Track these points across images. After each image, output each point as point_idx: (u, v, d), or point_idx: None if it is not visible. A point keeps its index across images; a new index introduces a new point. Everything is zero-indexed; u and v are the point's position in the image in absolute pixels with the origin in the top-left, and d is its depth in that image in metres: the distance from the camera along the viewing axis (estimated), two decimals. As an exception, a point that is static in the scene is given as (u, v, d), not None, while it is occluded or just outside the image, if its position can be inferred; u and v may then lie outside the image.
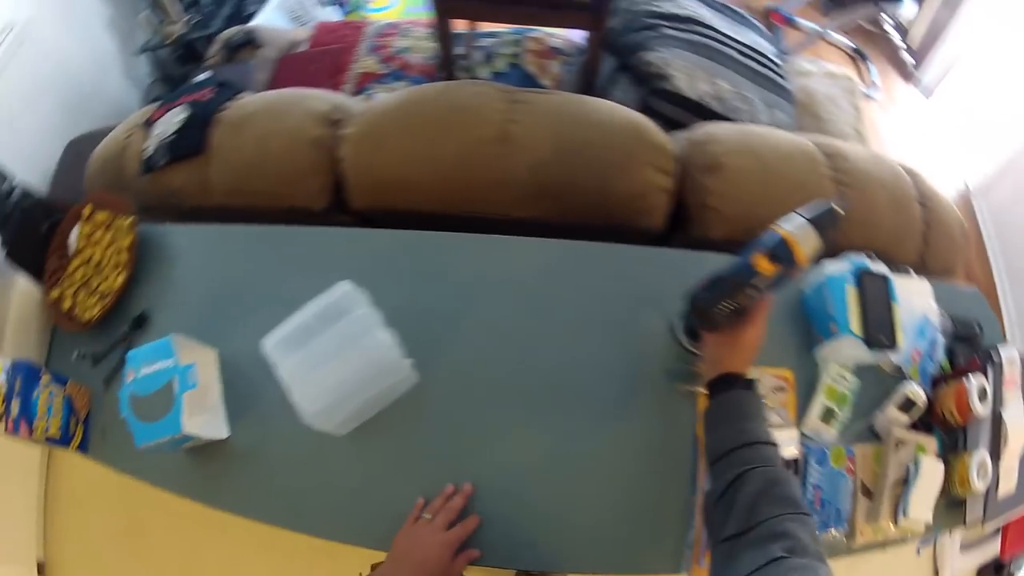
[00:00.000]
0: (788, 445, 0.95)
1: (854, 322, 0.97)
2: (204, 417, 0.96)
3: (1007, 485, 1.05)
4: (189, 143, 1.34)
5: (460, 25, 1.95)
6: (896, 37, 2.99)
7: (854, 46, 2.85)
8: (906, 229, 1.30)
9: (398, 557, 0.82)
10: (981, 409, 1.02)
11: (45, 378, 1.03)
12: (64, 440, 1.04)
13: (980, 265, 2.46)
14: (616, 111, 1.14)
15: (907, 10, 2.45)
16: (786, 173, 1.14)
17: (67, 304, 1.18)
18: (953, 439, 1.07)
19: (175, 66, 2.90)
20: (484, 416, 0.96)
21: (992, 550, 1.88)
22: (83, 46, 2.47)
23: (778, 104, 1.52)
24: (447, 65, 1.78)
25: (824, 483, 0.95)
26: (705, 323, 0.81)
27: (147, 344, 0.96)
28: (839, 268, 1.01)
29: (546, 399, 0.96)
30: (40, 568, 1.20)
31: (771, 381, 0.99)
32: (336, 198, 1.33)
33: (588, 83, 1.60)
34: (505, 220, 1.19)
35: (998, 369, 1.07)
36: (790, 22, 2.83)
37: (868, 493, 0.99)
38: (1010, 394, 1.08)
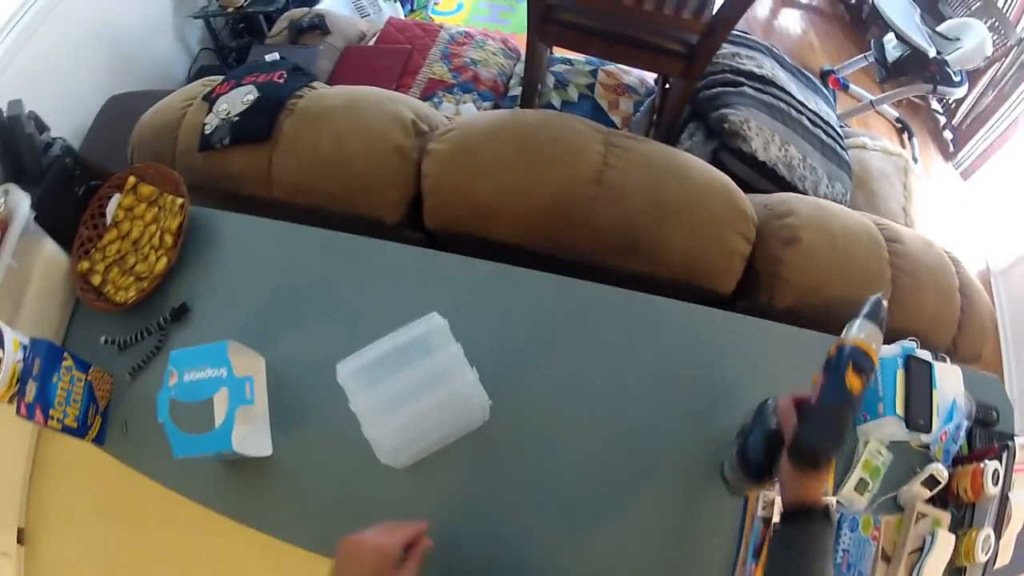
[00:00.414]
0: (827, 510, 1.06)
1: (899, 404, 1.09)
2: (250, 431, 0.92)
3: (1003, 559, 1.20)
4: (256, 127, 1.27)
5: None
6: (941, 114, 3.14)
7: (899, 117, 3.00)
8: (946, 316, 1.43)
9: (335, 568, 0.74)
10: (993, 490, 1.16)
11: (67, 362, 0.97)
12: (81, 431, 0.99)
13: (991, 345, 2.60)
14: (709, 173, 1.21)
15: (960, 91, 2.60)
16: (854, 253, 1.25)
17: (97, 280, 1.12)
18: (961, 513, 1.20)
19: (229, 37, 2.91)
20: (534, 464, 0.96)
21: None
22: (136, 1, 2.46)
23: (839, 177, 1.65)
24: (529, 89, 1.87)
25: (852, 548, 1.07)
26: (814, 464, 0.73)
27: (197, 347, 0.90)
28: (892, 352, 1.13)
29: (599, 453, 0.97)
30: (20, 535, 1.15)
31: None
32: (409, 213, 1.29)
33: (668, 130, 1.70)
34: (577, 262, 1.19)
35: (1012, 455, 1.22)
36: (844, 88, 2.97)
37: (887, 558, 1.11)
38: (1019, 478, 1.23)
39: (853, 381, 0.71)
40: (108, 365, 1.06)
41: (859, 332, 0.75)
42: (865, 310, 0.77)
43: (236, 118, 1.29)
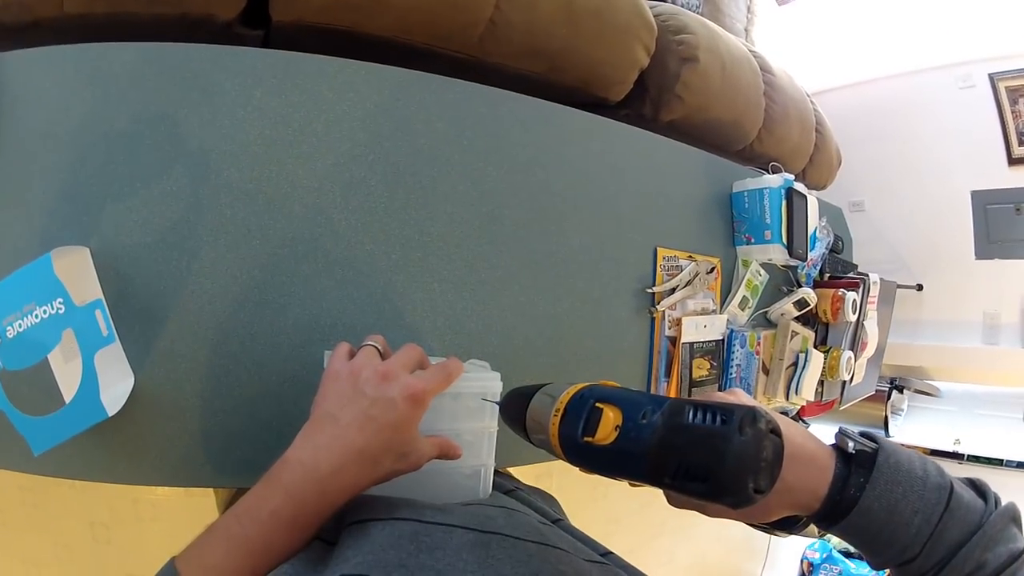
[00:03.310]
0: (719, 329, 1.20)
1: (784, 233, 1.23)
2: (112, 372, 0.68)
3: (858, 378, 1.50)
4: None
5: None
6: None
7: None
8: (804, 148, 1.63)
9: (324, 416, 0.54)
10: (851, 317, 1.41)
11: None
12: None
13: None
14: (616, -21, 1.17)
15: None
16: (738, 79, 1.36)
17: None
18: (815, 331, 1.46)
19: None
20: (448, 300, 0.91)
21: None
22: None
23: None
24: None
25: (743, 362, 1.25)
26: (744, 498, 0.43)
27: (10, 275, 0.64)
28: (776, 182, 1.26)
29: (517, 280, 0.96)
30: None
31: (707, 265, 1.21)
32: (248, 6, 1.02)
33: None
34: (459, 59, 1.09)
35: (867, 289, 1.48)
36: None
37: (765, 371, 1.32)
38: (871, 309, 1.51)
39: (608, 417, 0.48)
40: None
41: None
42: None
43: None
